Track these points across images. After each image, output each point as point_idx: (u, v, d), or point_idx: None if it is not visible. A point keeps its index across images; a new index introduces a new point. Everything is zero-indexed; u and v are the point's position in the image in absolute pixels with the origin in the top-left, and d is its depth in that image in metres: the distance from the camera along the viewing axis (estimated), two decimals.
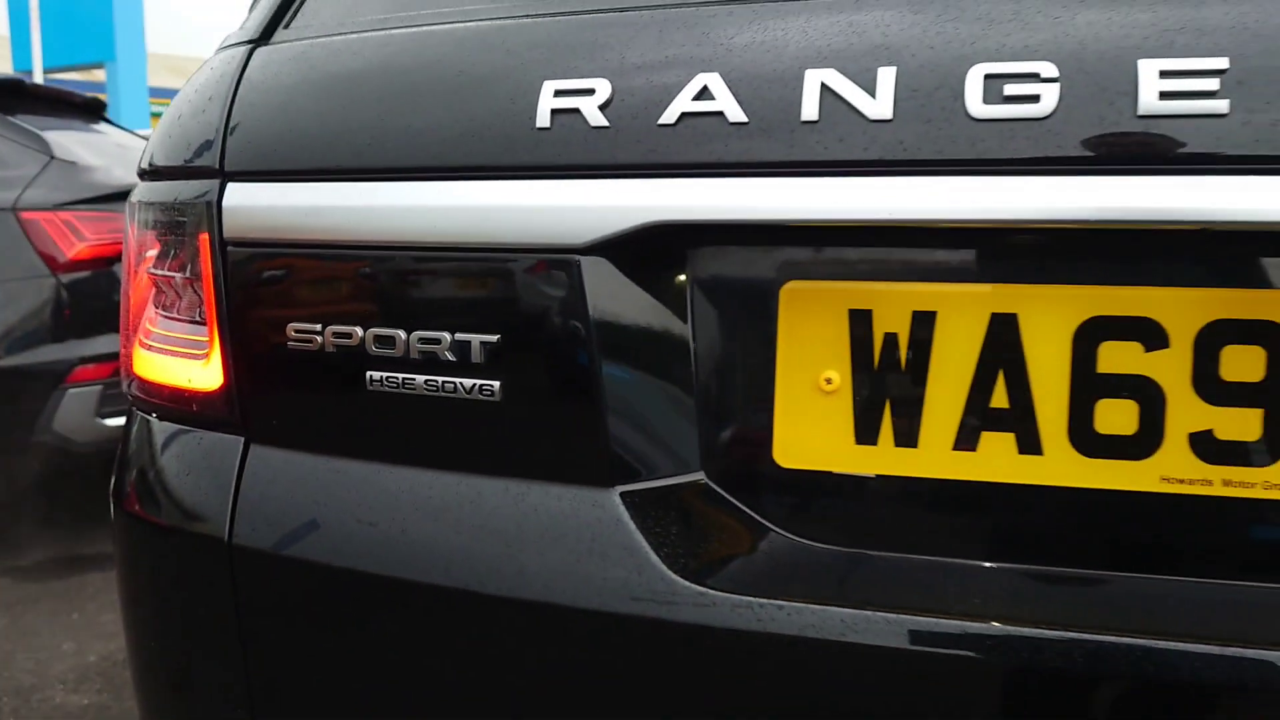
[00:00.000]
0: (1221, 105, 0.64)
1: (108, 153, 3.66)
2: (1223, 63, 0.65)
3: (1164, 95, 0.65)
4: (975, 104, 0.69)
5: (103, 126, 4.02)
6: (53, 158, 3.26)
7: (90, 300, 3.18)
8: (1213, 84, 0.65)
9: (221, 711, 0.93)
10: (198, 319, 0.91)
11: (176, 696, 1.00)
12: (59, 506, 4.06)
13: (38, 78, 8.69)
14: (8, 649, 2.62)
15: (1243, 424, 0.70)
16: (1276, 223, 0.64)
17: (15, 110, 3.48)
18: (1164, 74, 0.66)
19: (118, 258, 3.26)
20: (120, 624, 2.08)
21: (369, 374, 0.82)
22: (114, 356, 3.16)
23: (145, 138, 4.78)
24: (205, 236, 0.87)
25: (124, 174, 3.45)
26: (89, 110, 4.06)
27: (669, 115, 0.74)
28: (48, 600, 2.97)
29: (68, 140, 3.48)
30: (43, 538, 3.57)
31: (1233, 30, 0.65)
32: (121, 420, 3.02)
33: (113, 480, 1.03)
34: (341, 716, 0.88)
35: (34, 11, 8.22)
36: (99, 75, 12.49)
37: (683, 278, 0.78)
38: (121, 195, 3.34)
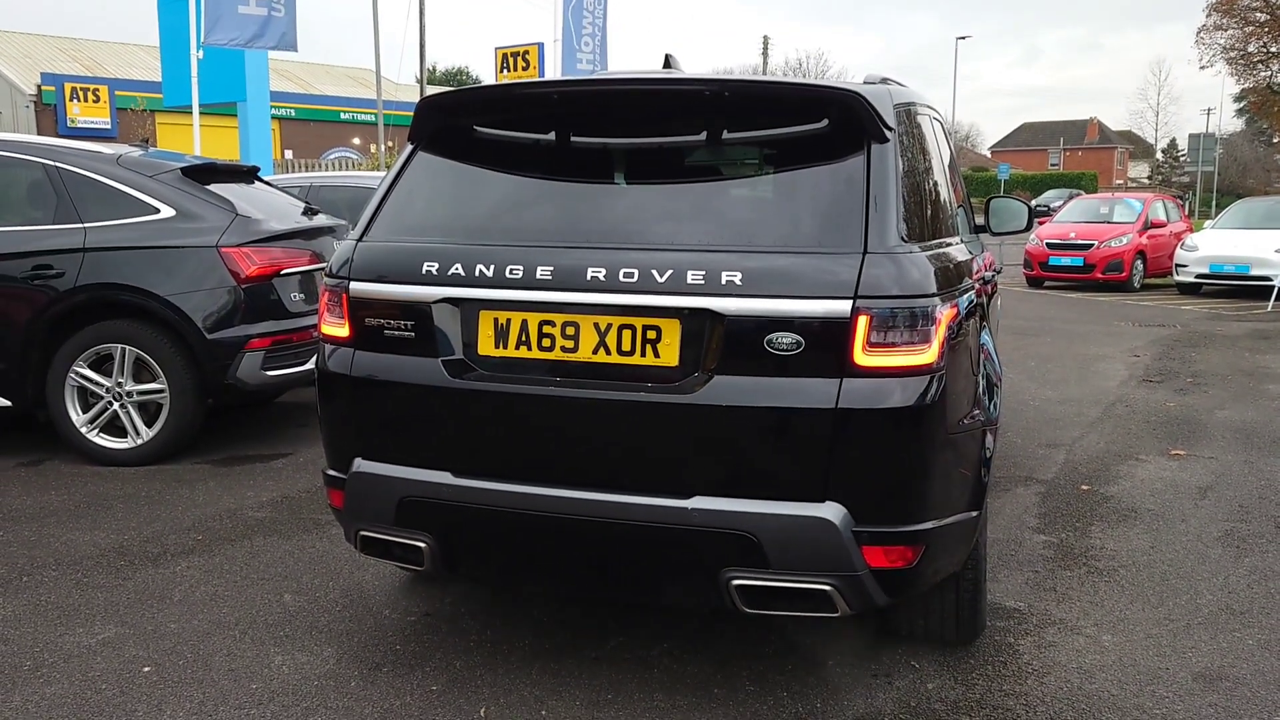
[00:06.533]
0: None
1: (264, 206, 5.71)
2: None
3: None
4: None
5: (258, 186, 6.12)
6: (237, 214, 5.31)
7: (258, 300, 5.22)
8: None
9: (351, 434, 2.93)
10: (340, 317, 2.91)
11: (340, 431, 2.99)
12: (238, 424, 6.26)
13: (195, 116, 11.17)
14: (219, 495, 4.74)
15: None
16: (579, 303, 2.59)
17: (209, 182, 5.57)
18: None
19: (274, 275, 5.32)
20: (273, 485, 4.68)
21: (382, 330, 2.82)
22: (274, 334, 5.21)
23: (271, 184, 6.89)
24: (345, 295, 2.88)
25: (277, 224, 5.49)
26: (249, 175, 6.19)
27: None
28: (234, 476, 5.07)
29: (241, 200, 5.52)
30: (226, 442, 5.70)
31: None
32: (279, 371, 5.39)
33: (315, 362, 3.03)
34: (387, 434, 2.85)
35: (194, 65, 10.72)
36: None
37: (456, 309, 2.74)
38: (277, 237, 5.41)
